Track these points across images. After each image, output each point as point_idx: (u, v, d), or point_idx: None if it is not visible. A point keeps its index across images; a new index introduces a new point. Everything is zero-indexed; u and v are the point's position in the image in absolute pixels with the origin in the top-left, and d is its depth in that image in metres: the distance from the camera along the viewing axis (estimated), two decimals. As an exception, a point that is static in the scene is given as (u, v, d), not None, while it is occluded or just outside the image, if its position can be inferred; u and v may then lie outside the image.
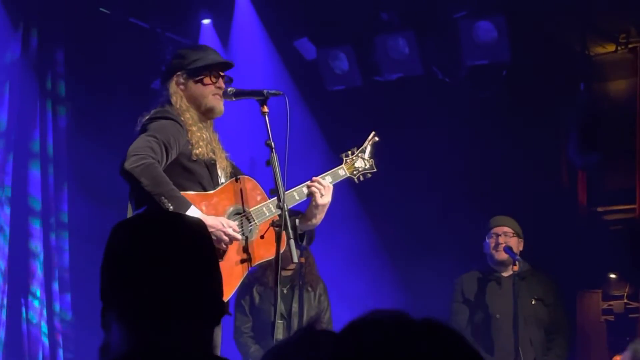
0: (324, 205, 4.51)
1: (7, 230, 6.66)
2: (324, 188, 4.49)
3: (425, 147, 7.87)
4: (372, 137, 4.89)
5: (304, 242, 5.74)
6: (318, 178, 4.54)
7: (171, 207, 3.99)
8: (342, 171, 4.72)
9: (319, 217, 4.53)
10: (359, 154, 4.81)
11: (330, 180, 4.62)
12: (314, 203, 4.50)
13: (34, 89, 6.99)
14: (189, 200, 4.12)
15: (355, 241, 8.15)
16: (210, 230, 4.07)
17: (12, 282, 6.69)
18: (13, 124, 6.78)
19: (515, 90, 7.71)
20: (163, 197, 4.01)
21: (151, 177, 4.03)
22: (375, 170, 4.85)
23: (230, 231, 4.17)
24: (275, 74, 8.03)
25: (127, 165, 4.03)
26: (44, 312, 6.83)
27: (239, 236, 4.23)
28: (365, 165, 4.82)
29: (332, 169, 4.69)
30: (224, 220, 4.21)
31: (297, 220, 4.42)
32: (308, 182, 4.53)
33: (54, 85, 7.15)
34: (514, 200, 7.35)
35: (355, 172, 4.77)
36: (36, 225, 6.89)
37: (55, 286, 6.97)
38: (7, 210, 6.68)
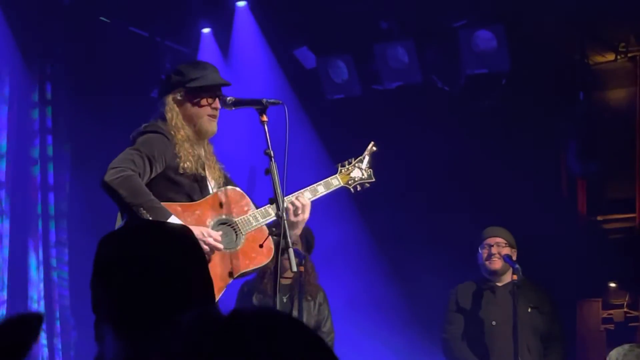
0: (296, 223, 4.45)
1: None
2: (299, 207, 4.45)
3: (424, 156, 7.87)
4: (371, 147, 4.87)
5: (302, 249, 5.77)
6: (292, 198, 4.48)
7: (150, 219, 3.98)
8: (336, 181, 4.70)
9: (292, 234, 4.39)
10: (357, 164, 4.79)
11: (323, 189, 4.62)
12: (290, 219, 4.42)
13: (33, 100, 6.99)
14: (171, 211, 4.12)
15: (354, 247, 8.14)
16: None
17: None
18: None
19: (514, 99, 7.72)
20: (142, 208, 4.01)
21: (129, 189, 4.04)
22: (373, 180, 4.82)
23: (210, 240, 4.16)
24: (275, 83, 8.03)
25: (107, 177, 4.06)
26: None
27: (220, 246, 4.21)
28: (363, 175, 4.80)
29: (324, 178, 4.68)
30: (204, 229, 4.20)
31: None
32: (301, 191, 4.52)
33: (53, 96, 7.15)
34: (514, 208, 7.34)
35: (350, 182, 4.75)
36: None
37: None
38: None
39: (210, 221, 4.32)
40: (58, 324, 6.95)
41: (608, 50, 7.86)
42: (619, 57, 7.82)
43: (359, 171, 4.79)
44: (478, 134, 7.79)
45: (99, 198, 6.70)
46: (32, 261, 6.85)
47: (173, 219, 4.06)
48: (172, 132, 4.33)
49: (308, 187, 4.58)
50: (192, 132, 4.42)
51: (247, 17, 7.97)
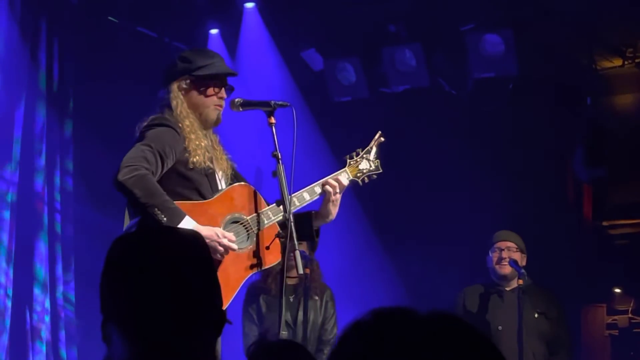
0: (335, 201, 4.44)
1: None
2: (338, 186, 4.44)
3: (430, 159, 7.88)
4: (378, 137, 4.77)
5: (316, 240, 5.77)
6: (330, 179, 4.47)
7: (164, 219, 3.95)
8: (345, 174, 4.59)
9: (334, 213, 4.46)
10: (364, 155, 4.71)
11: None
12: (330, 199, 4.43)
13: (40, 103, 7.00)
14: (183, 210, 4.07)
15: (359, 250, 8.16)
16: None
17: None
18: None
19: (521, 103, 7.72)
20: (156, 209, 3.96)
21: (144, 189, 3.99)
22: (380, 171, 4.73)
23: (225, 242, 4.11)
24: (282, 85, 8.04)
25: (120, 176, 3.99)
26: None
27: (234, 246, 4.17)
28: (371, 166, 4.70)
29: (334, 173, 4.60)
30: (218, 230, 4.15)
31: (312, 217, 4.43)
32: (322, 181, 4.47)
33: (60, 95, 7.16)
34: (519, 213, 7.34)
35: (359, 175, 4.66)
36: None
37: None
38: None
39: (222, 220, 4.27)
40: (63, 332, 6.94)
41: (615, 55, 7.86)
42: (626, 62, 7.82)
43: (367, 162, 4.70)
44: (485, 137, 7.80)
45: (103, 201, 6.79)
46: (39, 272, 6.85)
47: (187, 219, 4.03)
48: (180, 124, 4.28)
49: (318, 182, 4.51)
50: (198, 121, 4.37)
51: (255, 19, 7.98)
